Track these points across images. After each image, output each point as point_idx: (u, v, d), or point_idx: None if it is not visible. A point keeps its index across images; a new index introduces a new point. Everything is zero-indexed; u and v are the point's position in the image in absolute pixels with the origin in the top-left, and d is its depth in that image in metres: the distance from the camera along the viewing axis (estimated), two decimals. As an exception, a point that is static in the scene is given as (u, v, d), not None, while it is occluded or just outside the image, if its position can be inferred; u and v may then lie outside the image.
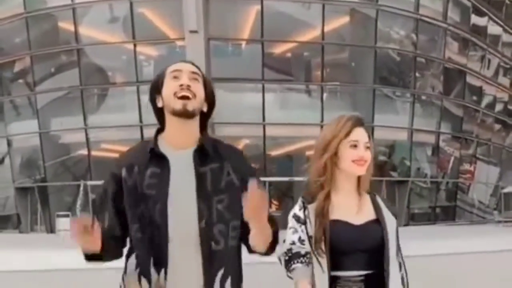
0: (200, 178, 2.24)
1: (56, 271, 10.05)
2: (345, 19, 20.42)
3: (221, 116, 17.39)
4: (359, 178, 2.38)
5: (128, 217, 2.26)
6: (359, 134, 2.32)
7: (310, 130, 20.45)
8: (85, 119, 20.12)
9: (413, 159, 23.60)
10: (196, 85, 2.30)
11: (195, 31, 17.77)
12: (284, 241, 2.35)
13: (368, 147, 2.34)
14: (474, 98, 26.19)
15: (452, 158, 26.18)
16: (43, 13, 20.10)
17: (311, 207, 2.32)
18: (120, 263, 2.39)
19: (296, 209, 2.37)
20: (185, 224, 2.22)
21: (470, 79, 25.06)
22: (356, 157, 2.30)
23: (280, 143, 21.23)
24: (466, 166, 28.59)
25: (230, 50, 20.63)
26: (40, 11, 20.01)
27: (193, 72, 2.32)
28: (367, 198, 2.40)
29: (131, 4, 18.68)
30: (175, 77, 2.28)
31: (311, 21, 19.95)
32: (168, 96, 2.26)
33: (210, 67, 18.79)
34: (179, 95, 2.24)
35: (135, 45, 19.21)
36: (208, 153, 2.27)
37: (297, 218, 2.35)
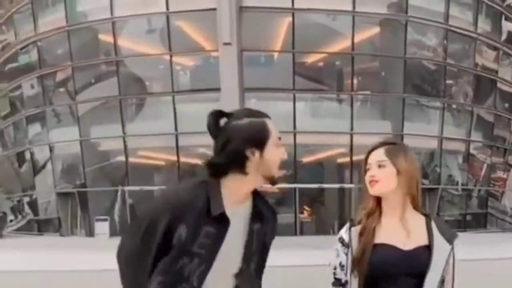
0: (249, 239, 2.16)
1: (95, 272, 10.76)
2: (376, 29, 20.80)
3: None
4: (405, 198, 2.28)
5: (160, 268, 2.11)
6: (372, 156, 2.29)
7: (340, 138, 20.90)
8: (123, 127, 20.87)
9: (445, 167, 23.81)
10: None
11: (229, 43, 18.37)
12: (329, 264, 2.34)
13: (382, 165, 2.27)
14: (506, 105, 26.26)
15: (485, 166, 26.29)
16: (83, 26, 20.95)
17: (355, 229, 2.29)
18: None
19: (343, 231, 2.34)
20: (219, 283, 2.15)
21: (501, 86, 25.15)
22: (368, 178, 2.28)
23: (310, 151, 21.62)
24: (499, 174, 28.65)
25: (263, 60, 21.18)
26: (81, 24, 20.86)
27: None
28: (421, 222, 2.30)
29: (167, 17, 19.38)
30: (279, 145, 2.14)
31: (342, 31, 20.36)
32: (274, 163, 2.12)
33: (243, 77, 19.42)
34: (279, 165, 2.14)
35: (171, 56, 19.91)
36: (260, 214, 2.19)
37: (341, 240, 2.31)
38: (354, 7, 19.24)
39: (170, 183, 20.89)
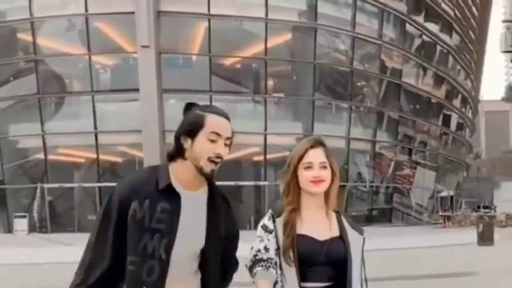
0: (210, 223, 2.33)
1: (14, 266, 11.30)
2: (288, 35, 22.02)
3: (172, 125, 18.78)
4: (326, 195, 2.46)
5: (128, 248, 2.26)
6: (313, 156, 2.42)
7: (255, 138, 21.96)
8: (42, 125, 21.16)
9: (353, 164, 25.35)
10: (227, 150, 2.33)
11: (147, 46, 19.08)
12: (251, 248, 2.43)
13: (325, 166, 2.43)
14: (411, 106, 28.11)
15: (392, 163, 28.04)
16: (1, 25, 21.11)
17: (279, 220, 2.42)
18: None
19: (265, 220, 2.45)
20: (186, 262, 2.30)
21: (407, 87, 26.94)
22: (311, 177, 2.40)
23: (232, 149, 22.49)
24: (407, 171, 30.57)
25: (181, 62, 21.96)
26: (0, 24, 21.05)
27: (228, 138, 2.34)
28: (333, 216, 2.48)
29: (86, 18, 19.87)
30: (212, 140, 2.29)
31: (257, 36, 21.39)
32: (201, 155, 2.27)
33: (161, 79, 20.15)
34: (212, 159, 2.27)
35: (89, 57, 20.39)
36: (213, 201, 2.38)
37: (265, 227, 2.44)
38: (267, 14, 20.32)
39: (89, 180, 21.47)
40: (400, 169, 29.13)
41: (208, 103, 2.50)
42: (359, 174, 26.63)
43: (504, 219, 23.86)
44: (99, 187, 20.89)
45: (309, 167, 2.41)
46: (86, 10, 19.84)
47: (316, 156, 2.41)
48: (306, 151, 2.43)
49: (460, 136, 37.04)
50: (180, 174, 2.32)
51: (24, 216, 20.77)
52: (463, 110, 37.65)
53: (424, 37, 27.57)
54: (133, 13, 19.22)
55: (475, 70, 38.84)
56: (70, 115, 21.72)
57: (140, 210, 2.25)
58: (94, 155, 21.11)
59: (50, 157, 21.52)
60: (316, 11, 21.32)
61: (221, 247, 2.38)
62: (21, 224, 20.38)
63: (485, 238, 15.33)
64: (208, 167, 2.26)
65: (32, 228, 20.54)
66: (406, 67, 26.58)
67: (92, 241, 2.28)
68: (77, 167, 22.78)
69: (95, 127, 20.65)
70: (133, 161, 21.26)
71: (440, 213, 27.57)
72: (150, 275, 2.27)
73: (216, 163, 2.27)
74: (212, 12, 20.00)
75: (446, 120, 33.31)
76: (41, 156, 21.38)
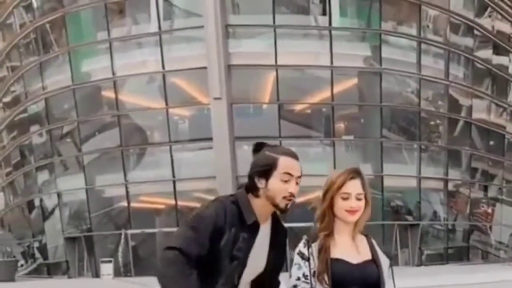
0: (272, 249, 2.61)
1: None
2: (354, 80, 22.75)
3: (244, 170, 19.71)
4: (356, 221, 2.60)
5: (214, 269, 2.51)
6: (351, 187, 2.55)
7: (324, 181, 22.44)
8: (125, 175, 22.64)
9: (428, 203, 25.42)
10: (297, 188, 2.57)
11: (219, 98, 20.28)
12: (290, 276, 2.57)
13: (359, 198, 2.57)
14: (484, 142, 27.94)
15: (468, 201, 27.80)
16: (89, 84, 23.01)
17: (314, 245, 2.55)
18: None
19: (301, 247, 2.58)
20: (245, 286, 2.61)
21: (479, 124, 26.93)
22: (347, 207, 2.53)
23: (301, 192, 23.18)
24: (485, 208, 30.15)
25: (251, 111, 23.06)
26: (85, 84, 22.92)
27: (299, 177, 2.57)
28: (363, 240, 2.64)
29: (163, 75, 21.37)
30: (285, 181, 2.51)
31: (324, 82, 22.20)
32: (277, 194, 2.50)
33: (233, 127, 21.23)
34: (286, 198, 2.51)
35: (167, 110, 21.81)
36: (277, 229, 2.65)
37: (301, 254, 2.56)
38: (331, 62, 21.16)
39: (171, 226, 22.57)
40: (478, 206, 28.81)
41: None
42: (435, 212, 26.60)
43: None
44: (178, 232, 21.96)
45: (346, 198, 2.55)
46: (163, 67, 21.34)
47: (354, 187, 2.57)
48: (345, 182, 2.57)
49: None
50: (259, 210, 2.55)
51: (109, 261, 22.01)
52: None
53: (495, 71, 27.60)
54: (205, 68, 20.50)
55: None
56: (150, 165, 23.10)
57: (230, 237, 2.50)
58: (172, 202, 22.29)
59: (133, 204, 22.90)
60: (381, 56, 21.95)
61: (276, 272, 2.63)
62: (107, 268, 21.59)
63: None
64: (283, 204, 2.52)
65: (117, 272, 21.78)
66: (476, 103, 26.62)
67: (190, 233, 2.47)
68: (157, 214, 24.06)
69: (173, 175, 21.88)
70: (210, 206, 22.26)
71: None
72: None
73: (290, 200, 2.52)
74: (279, 62, 21.02)
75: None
76: (124, 204, 22.79)
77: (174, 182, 21.89)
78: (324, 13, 22.17)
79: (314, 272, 2.54)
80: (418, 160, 23.66)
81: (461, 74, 25.53)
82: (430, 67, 23.36)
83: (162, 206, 23.79)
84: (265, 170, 2.52)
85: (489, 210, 30.22)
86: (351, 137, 23.85)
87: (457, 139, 26.03)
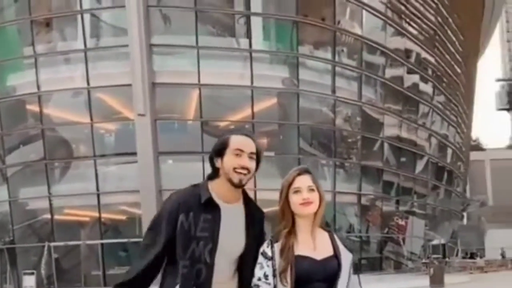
0: (248, 231, 2.70)
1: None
2: (274, 99, 24.01)
3: (168, 184, 20.56)
4: (315, 217, 2.68)
5: (178, 254, 2.64)
6: (300, 181, 2.67)
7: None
8: (49, 187, 22.93)
9: (342, 215, 26.90)
10: (252, 163, 2.71)
11: (143, 115, 21.04)
12: (253, 275, 2.65)
13: (312, 189, 2.66)
14: (395, 160, 29.75)
15: (381, 214, 29.47)
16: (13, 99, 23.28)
17: (277, 245, 2.63)
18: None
19: (265, 247, 2.66)
20: (227, 267, 2.69)
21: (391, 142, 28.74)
22: (300, 200, 2.63)
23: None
24: (399, 221, 32.00)
25: (176, 126, 23.90)
26: (10, 98, 23.19)
27: (252, 153, 2.72)
28: (325, 236, 2.72)
29: (88, 91, 21.94)
30: (237, 155, 2.66)
31: (245, 101, 23.28)
32: (229, 168, 2.66)
33: (157, 143, 21.95)
34: (238, 171, 2.65)
35: (91, 125, 22.35)
36: (250, 211, 2.75)
37: (264, 254, 2.64)
38: (252, 82, 22.33)
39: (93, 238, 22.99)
40: (391, 219, 30.52)
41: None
42: (350, 225, 28.10)
43: (483, 265, 25.22)
44: (102, 244, 22.53)
45: (298, 191, 2.66)
46: (88, 84, 21.92)
47: (303, 181, 2.69)
48: (294, 178, 2.70)
49: (451, 188, 38.51)
50: (217, 189, 2.70)
51: (32, 273, 22.13)
52: (455, 163, 39.28)
53: (406, 92, 29.49)
54: (130, 85, 21.23)
55: (463, 125, 40.55)
56: (75, 178, 23.49)
57: (187, 222, 2.62)
58: (97, 214, 22.76)
59: (57, 217, 23.20)
60: (298, 77, 23.29)
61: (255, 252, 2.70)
62: (29, 280, 21.66)
63: (436, 281, 16.84)
64: (235, 178, 2.67)
65: (39, 284, 21.99)
66: (390, 120, 28.36)
67: (146, 235, 2.72)
68: (82, 226, 24.45)
69: (97, 188, 22.39)
70: (133, 218, 22.94)
71: (423, 260, 28.93)
72: (199, 277, 2.63)
73: (242, 174, 2.67)
74: (202, 81, 21.99)
75: (437, 172, 34.96)
76: (48, 216, 23.07)
77: (98, 195, 22.37)
78: (247, 35, 23.31)
79: (275, 270, 2.63)
80: (333, 175, 25.07)
81: (374, 94, 27.25)
82: (344, 88, 24.89)
83: (87, 219, 24.18)
84: (219, 149, 2.72)
85: (403, 223, 32.11)
86: (272, 153, 25.03)
87: (371, 155, 27.69)
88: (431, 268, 17.62)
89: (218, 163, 2.72)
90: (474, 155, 69.71)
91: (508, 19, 75.60)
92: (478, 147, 74.28)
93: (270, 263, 2.64)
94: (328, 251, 2.67)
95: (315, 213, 2.70)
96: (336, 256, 2.66)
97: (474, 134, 75.20)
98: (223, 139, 2.75)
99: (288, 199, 2.70)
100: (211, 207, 2.68)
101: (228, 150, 2.70)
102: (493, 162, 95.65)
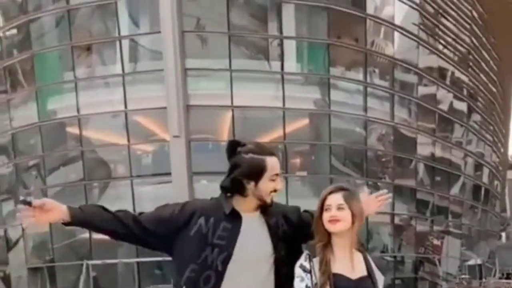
0: (271, 233, 2.70)
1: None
2: (306, 120, 24.37)
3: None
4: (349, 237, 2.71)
5: (186, 257, 2.62)
6: (331, 199, 2.72)
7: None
8: (87, 208, 23.57)
9: (377, 235, 26.94)
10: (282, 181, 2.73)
11: (178, 136, 21.63)
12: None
13: (342, 208, 2.70)
14: (430, 179, 29.67)
15: (415, 234, 29.37)
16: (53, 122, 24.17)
17: (316, 260, 2.68)
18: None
19: (302, 260, 2.70)
20: (241, 275, 2.65)
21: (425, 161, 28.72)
22: (328, 217, 2.70)
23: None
24: (434, 241, 31.83)
25: (210, 147, 24.42)
26: (51, 121, 24.08)
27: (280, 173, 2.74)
28: (359, 256, 2.76)
29: (126, 114, 22.67)
30: (272, 180, 2.66)
31: (277, 122, 23.67)
32: (265, 192, 2.66)
33: (191, 164, 22.49)
34: (272, 193, 2.68)
35: (128, 147, 23.03)
36: (269, 213, 2.73)
37: (303, 267, 2.67)
38: (284, 104, 22.75)
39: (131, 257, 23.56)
40: (426, 239, 30.38)
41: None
42: (384, 245, 28.09)
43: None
44: (137, 263, 23.07)
45: (328, 209, 2.73)
46: (126, 106, 22.65)
47: (334, 199, 2.75)
48: (326, 196, 2.77)
49: (488, 208, 38.06)
50: (239, 206, 2.70)
51: (71, 291, 23.04)
52: (492, 182, 38.85)
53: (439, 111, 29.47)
54: (165, 108, 21.86)
55: (500, 144, 40.14)
56: (113, 198, 24.15)
57: (206, 226, 2.63)
58: (134, 234, 23.26)
59: (95, 236, 23.81)
60: (330, 98, 23.62)
61: (292, 247, 2.72)
62: (68, 297, 22.58)
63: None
64: (269, 199, 2.70)
65: (78, 302, 22.73)
66: (423, 139, 28.37)
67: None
68: (118, 245, 25.03)
69: (134, 208, 22.98)
70: (168, 237, 23.43)
71: (457, 280, 28.68)
72: (207, 283, 2.61)
73: (274, 193, 2.70)
74: (235, 103, 22.51)
75: (473, 192, 34.67)
76: (86, 235, 23.74)
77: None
78: (280, 58, 23.76)
79: (316, 284, 2.66)
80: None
81: (407, 113, 27.32)
82: (376, 109, 25.08)
83: (124, 238, 24.73)
84: (256, 173, 2.68)
85: (438, 243, 31.91)
86: (305, 173, 25.34)
87: (405, 174, 27.72)
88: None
89: (250, 185, 2.70)
90: (514, 174, 68.63)
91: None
92: (518, 166, 72.69)
93: (309, 276, 2.68)
94: (362, 271, 2.74)
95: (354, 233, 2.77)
96: (370, 276, 2.73)
97: (514, 153, 73.99)
98: (259, 163, 2.69)
99: (321, 215, 2.78)
100: (233, 217, 2.70)
101: (265, 175, 2.69)
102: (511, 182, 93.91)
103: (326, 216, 2.75)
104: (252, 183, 2.69)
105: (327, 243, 2.75)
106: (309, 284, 2.66)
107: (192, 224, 2.70)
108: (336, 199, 2.77)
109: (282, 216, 2.83)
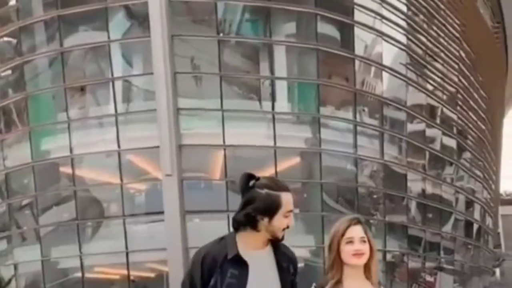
0: (281, 274, 2.72)
1: None
2: (297, 158, 24.68)
3: (194, 242, 21.10)
4: (365, 269, 2.78)
5: None
6: (353, 231, 2.78)
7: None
8: (80, 247, 23.70)
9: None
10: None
11: (170, 175, 21.85)
12: None
13: (364, 241, 2.79)
14: (421, 216, 29.90)
15: (407, 270, 29.45)
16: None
17: None
18: None
19: None
20: None
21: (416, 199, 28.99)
22: (352, 251, 2.76)
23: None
24: (427, 277, 31.89)
25: (202, 186, 24.64)
26: (44, 161, 24.31)
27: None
28: (369, 286, 2.80)
29: (119, 154, 22.93)
30: (286, 216, 2.69)
31: (269, 160, 23.94)
32: (278, 228, 2.69)
33: (183, 202, 22.67)
34: (285, 229, 2.69)
35: (121, 186, 23.23)
36: (280, 251, 2.75)
37: None
38: (275, 143, 23.09)
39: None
40: (419, 275, 30.44)
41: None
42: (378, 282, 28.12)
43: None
44: (131, 301, 23.09)
45: (350, 242, 2.80)
46: (119, 146, 22.92)
47: (356, 231, 2.82)
48: (347, 228, 2.83)
49: (481, 244, 38.21)
50: (250, 241, 2.72)
51: (63, 331, 22.93)
52: (484, 218, 39.06)
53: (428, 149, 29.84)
54: (158, 147, 22.14)
55: (491, 181, 40.49)
56: (106, 236, 24.26)
57: (214, 277, 2.63)
58: (125, 272, 23.35)
59: (88, 275, 23.88)
60: (320, 137, 23.97)
61: None
62: (60, 338, 22.46)
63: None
64: (281, 235, 2.75)
65: None
66: (414, 177, 28.65)
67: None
68: (111, 284, 25.05)
69: (126, 247, 23.07)
70: (161, 275, 23.50)
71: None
72: None
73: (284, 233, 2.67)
74: (227, 142, 22.82)
75: (465, 228, 34.84)
76: (79, 275, 23.77)
77: (127, 253, 23.03)
78: (271, 97, 24.20)
79: None
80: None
81: (397, 150, 27.69)
82: (366, 147, 25.45)
83: (116, 277, 24.78)
84: (270, 209, 2.72)
85: (431, 279, 31.98)
86: (297, 210, 25.50)
87: (397, 211, 27.95)
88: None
89: (263, 221, 2.72)
90: (508, 210, 68.84)
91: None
92: (512, 202, 73.04)
93: None
94: None
95: (367, 266, 2.84)
96: None
97: (508, 189, 74.31)
98: (275, 199, 2.72)
99: (339, 248, 2.84)
100: (239, 263, 2.71)
101: (280, 211, 2.73)
102: (504, 218, 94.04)
103: (349, 249, 2.81)
104: (266, 219, 2.74)
105: (340, 279, 2.82)
106: None
107: (204, 277, 2.72)
108: (358, 232, 2.86)
109: (292, 264, 2.88)
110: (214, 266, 2.67)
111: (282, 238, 2.79)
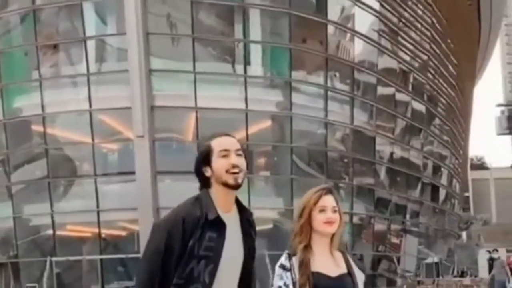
0: (246, 241, 2.64)
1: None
2: (268, 122, 25.01)
3: (166, 202, 21.46)
4: (331, 237, 2.76)
5: (172, 272, 2.48)
6: (327, 201, 2.75)
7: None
8: (51, 205, 23.90)
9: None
10: (241, 160, 2.59)
11: (141, 136, 22.04)
12: (271, 285, 2.72)
13: (336, 211, 2.75)
14: (390, 180, 30.59)
15: (374, 232, 30.26)
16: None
17: (295, 258, 2.71)
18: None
19: (282, 260, 2.74)
20: (227, 285, 2.59)
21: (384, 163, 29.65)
22: (325, 219, 2.71)
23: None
24: (394, 239, 32.81)
25: (174, 147, 24.88)
26: (16, 118, 24.29)
27: (238, 149, 2.60)
28: (339, 255, 2.80)
29: (90, 113, 23.01)
30: (224, 156, 2.54)
31: (241, 124, 24.21)
32: (221, 172, 2.53)
33: (155, 163, 22.92)
34: (231, 171, 2.53)
35: (93, 145, 23.36)
36: (248, 219, 2.67)
37: (283, 266, 2.71)
38: (247, 106, 23.34)
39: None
40: (385, 237, 31.28)
41: None
42: (345, 244, 28.89)
43: (469, 283, 26.04)
44: (101, 259, 23.45)
45: (323, 211, 2.76)
46: (91, 106, 22.99)
47: (329, 201, 2.79)
48: (320, 197, 2.79)
49: (445, 207, 39.25)
50: (218, 201, 2.59)
51: (34, 287, 23.22)
52: (451, 183, 40.06)
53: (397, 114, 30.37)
54: (130, 108, 22.27)
55: (459, 147, 41.36)
56: (76, 196, 24.47)
57: (191, 240, 2.51)
58: (97, 230, 23.67)
59: (58, 233, 24.16)
60: (291, 101, 24.27)
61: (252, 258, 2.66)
62: (32, 293, 22.84)
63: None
64: (231, 179, 2.57)
65: (41, 297, 23.02)
66: (382, 142, 29.24)
67: (143, 266, 2.57)
68: (82, 242, 25.38)
69: (98, 206, 23.35)
70: (132, 235, 23.86)
71: (411, 277, 29.77)
72: None
73: (235, 173, 2.57)
74: (199, 105, 23.01)
75: (432, 192, 35.76)
76: (50, 232, 24.04)
77: (98, 212, 23.32)
78: (245, 61, 24.31)
79: (295, 283, 2.70)
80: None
81: (367, 115, 28.15)
82: (336, 112, 25.85)
83: (87, 235, 25.09)
84: (204, 157, 2.63)
85: (397, 241, 32.91)
86: (268, 173, 25.99)
87: (365, 175, 28.58)
88: (405, 285, 18.45)
89: (207, 172, 2.64)
90: (478, 174, 70.58)
91: (509, 41, 76.41)
92: (482, 167, 74.82)
93: (289, 274, 2.72)
94: (342, 269, 2.80)
95: (333, 234, 2.83)
96: (350, 274, 2.79)
97: (479, 154, 76.10)
98: (205, 146, 2.68)
99: (310, 216, 2.80)
100: (217, 225, 2.60)
101: (213, 154, 2.63)
102: (497, 181, 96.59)
103: (321, 217, 2.79)
104: (208, 168, 2.65)
105: (308, 244, 2.81)
106: (288, 282, 2.72)
107: (177, 234, 2.59)
108: (330, 201, 2.84)
109: (253, 229, 2.81)
110: (195, 227, 2.56)
111: (237, 185, 2.62)
